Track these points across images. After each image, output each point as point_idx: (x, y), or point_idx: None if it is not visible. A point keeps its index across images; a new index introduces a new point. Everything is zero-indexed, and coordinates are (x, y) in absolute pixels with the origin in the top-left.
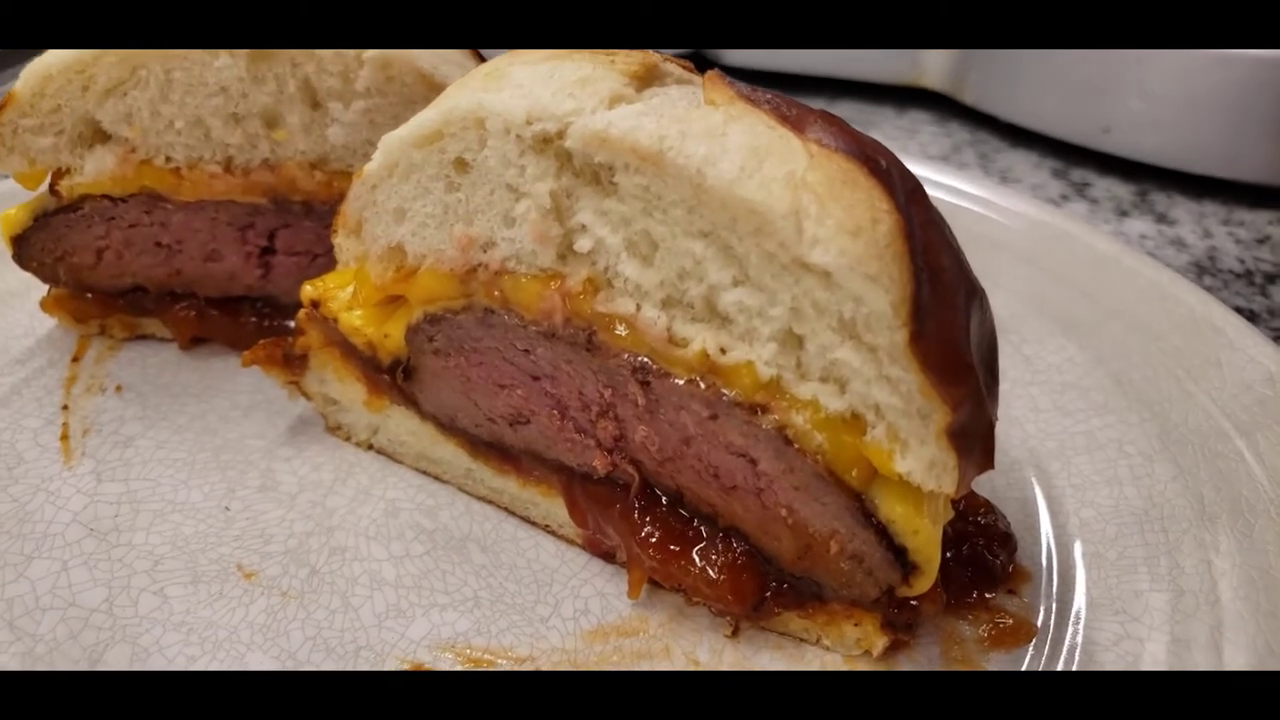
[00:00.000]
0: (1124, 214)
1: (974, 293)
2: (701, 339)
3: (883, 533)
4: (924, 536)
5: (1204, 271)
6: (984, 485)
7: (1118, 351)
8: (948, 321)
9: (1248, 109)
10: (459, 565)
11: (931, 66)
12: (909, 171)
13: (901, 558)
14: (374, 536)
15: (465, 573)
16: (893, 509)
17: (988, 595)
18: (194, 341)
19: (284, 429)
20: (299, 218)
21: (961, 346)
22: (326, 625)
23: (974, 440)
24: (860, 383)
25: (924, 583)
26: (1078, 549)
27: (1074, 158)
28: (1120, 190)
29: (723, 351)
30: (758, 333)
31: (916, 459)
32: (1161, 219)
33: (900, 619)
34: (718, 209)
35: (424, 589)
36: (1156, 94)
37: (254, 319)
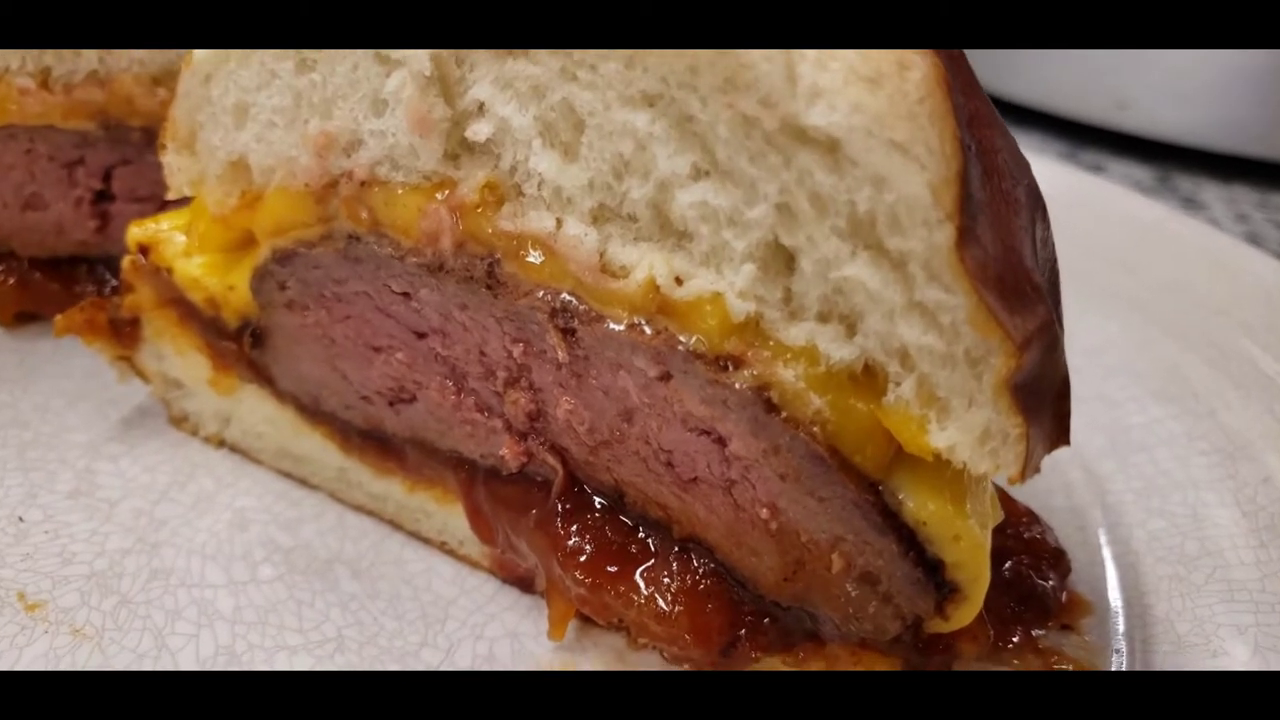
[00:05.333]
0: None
1: (1036, 196)
2: (648, 264)
3: (909, 540)
4: (968, 545)
5: None
6: (1019, 488)
7: (1171, 330)
8: (1007, 221)
9: None
10: (321, 595)
11: None
12: None
13: (936, 576)
14: (211, 555)
15: (328, 604)
16: (924, 506)
17: (1035, 632)
18: (19, 318)
19: (116, 421)
20: (140, 150)
21: (1027, 258)
22: None
23: (1044, 400)
24: (879, 316)
25: (967, 612)
26: (1149, 571)
27: (1085, 138)
28: (1139, 173)
29: (678, 281)
30: (729, 250)
31: (962, 428)
32: (1189, 202)
33: (929, 666)
34: (670, 54)
35: (270, 626)
36: (1179, 65)
37: (92, 286)
